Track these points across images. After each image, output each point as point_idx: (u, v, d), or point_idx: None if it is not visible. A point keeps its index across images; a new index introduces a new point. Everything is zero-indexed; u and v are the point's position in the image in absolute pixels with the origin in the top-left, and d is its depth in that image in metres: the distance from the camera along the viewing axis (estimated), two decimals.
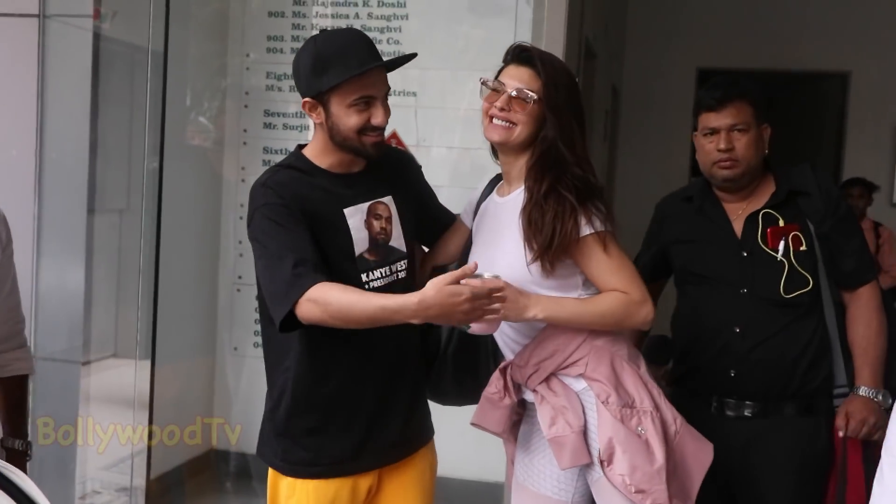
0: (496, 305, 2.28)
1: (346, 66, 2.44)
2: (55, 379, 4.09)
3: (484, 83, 2.57)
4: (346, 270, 2.51)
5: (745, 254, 2.97)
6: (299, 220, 2.46)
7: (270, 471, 2.68)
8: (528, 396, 2.58)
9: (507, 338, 2.61)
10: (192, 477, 4.54)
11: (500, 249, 2.51)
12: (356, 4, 4.66)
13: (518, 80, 2.51)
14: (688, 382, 3.08)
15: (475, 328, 2.36)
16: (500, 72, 2.59)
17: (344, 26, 4.59)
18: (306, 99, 2.54)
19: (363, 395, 2.59)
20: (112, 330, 4.68)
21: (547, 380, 2.50)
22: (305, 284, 2.34)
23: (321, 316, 2.33)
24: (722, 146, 2.96)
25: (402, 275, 2.62)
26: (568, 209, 2.41)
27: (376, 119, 2.48)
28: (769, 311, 2.94)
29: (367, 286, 2.53)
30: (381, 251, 2.59)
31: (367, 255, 2.56)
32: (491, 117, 2.53)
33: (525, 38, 4.28)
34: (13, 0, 4.08)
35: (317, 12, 4.76)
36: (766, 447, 2.93)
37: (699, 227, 3.10)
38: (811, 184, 3.01)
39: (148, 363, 4.28)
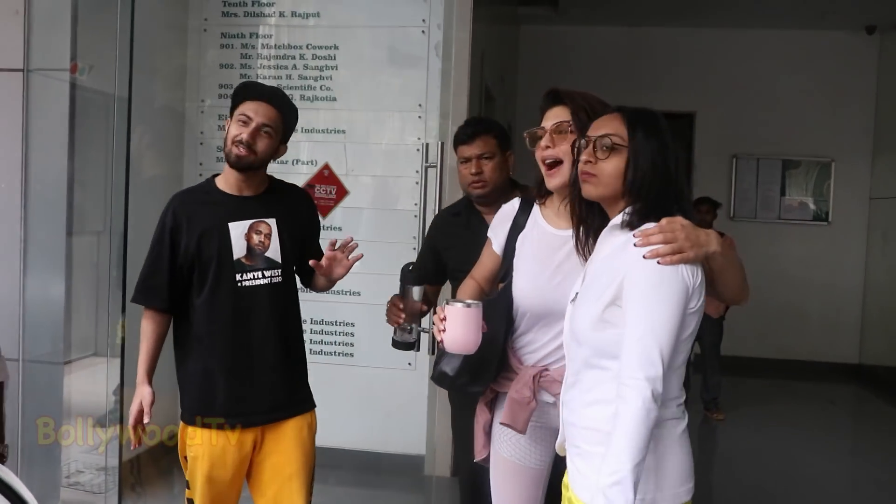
0: (677, 245, 1.87)
1: (239, 89, 2.77)
2: (41, 378, 4.01)
3: (528, 134, 2.38)
4: (224, 268, 2.72)
5: None
6: (169, 243, 2.73)
7: (181, 423, 2.79)
8: (543, 398, 2.39)
9: (549, 349, 2.39)
10: (163, 456, 4.45)
11: (572, 273, 2.27)
12: (293, 57, 4.68)
13: (553, 118, 2.31)
14: None
15: (449, 347, 2.23)
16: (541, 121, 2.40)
17: (283, 76, 4.63)
18: (228, 119, 2.76)
19: (236, 363, 2.74)
20: (92, 333, 4.63)
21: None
22: (138, 300, 2.81)
23: None
24: (473, 170, 3.07)
25: (276, 280, 2.76)
26: None
27: (244, 136, 2.65)
28: None
29: (239, 283, 2.72)
30: (256, 259, 2.74)
31: (243, 260, 2.73)
32: (544, 162, 2.32)
33: (435, 85, 4.50)
34: (1, 55, 4.01)
35: (261, 64, 4.75)
36: None
37: (465, 236, 3.07)
38: None
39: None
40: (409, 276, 3.21)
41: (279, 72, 4.67)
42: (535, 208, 2.48)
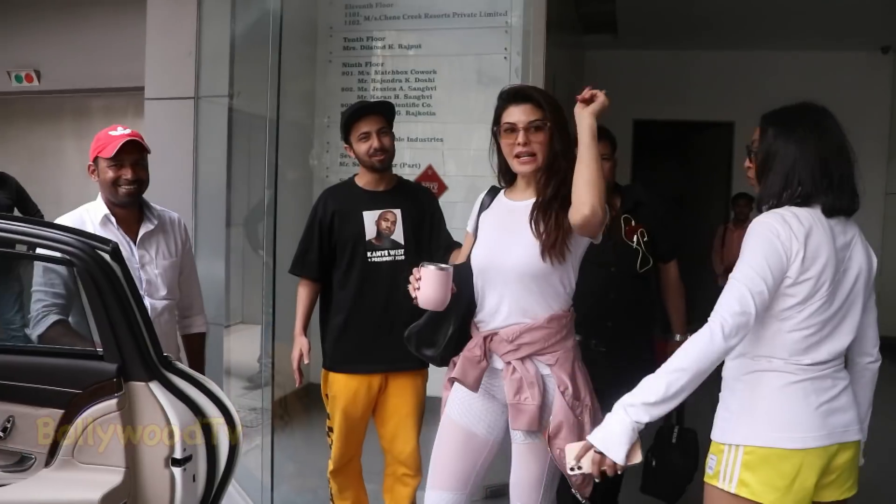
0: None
1: (346, 117, 2.87)
2: (211, 337, 4.15)
3: (495, 131, 2.27)
4: (358, 247, 2.89)
5: (612, 243, 2.89)
6: (318, 227, 2.93)
7: (322, 370, 3.00)
8: (495, 364, 2.27)
9: (504, 316, 2.25)
10: (305, 396, 4.68)
11: (518, 240, 2.20)
12: (400, 81, 4.82)
13: (524, 115, 2.19)
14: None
15: (422, 303, 2.19)
16: (499, 116, 2.26)
17: (392, 97, 4.71)
18: (345, 144, 2.94)
19: (365, 323, 2.89)
20: (240, 304, 4.90)
21: (522, 358, 2.21)
22: (294, 271, 3.00)
23: None
24: None
25: (399, 257, 2.89)
26: (564, 210, 2.15)
27: (374, 145, 2.83)
28: (630, 282, 3.00)
29: (369, 259, 2.88)
30: (384, 241, 2.89)
31: (374, 241, 2.89)
32: (517, 155, 2.20)
33: None
34: (178, 87, 4.30)
35: (373, 87, 4.92)
36: (625, 367, 2.80)
37: None
38: (644, 196, 3.08)
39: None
40: None
41: (388, 93, 4.82)
42: (501, 191, 2.39)
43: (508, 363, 2.22)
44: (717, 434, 1.96)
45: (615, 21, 6.97)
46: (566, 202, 2.12)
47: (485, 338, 2.25)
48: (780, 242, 1.81)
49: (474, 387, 2.26)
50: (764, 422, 1.85)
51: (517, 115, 2.21)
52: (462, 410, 2.34)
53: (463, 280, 2.29)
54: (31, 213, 5.47)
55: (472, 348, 2.27)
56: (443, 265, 2.18)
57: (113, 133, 2.66)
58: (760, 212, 1.93)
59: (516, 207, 2.28)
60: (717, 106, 8.03)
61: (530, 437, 2.23)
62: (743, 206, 6.72)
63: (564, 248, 2.17)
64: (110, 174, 2.63)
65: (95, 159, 2.67)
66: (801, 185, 1.88)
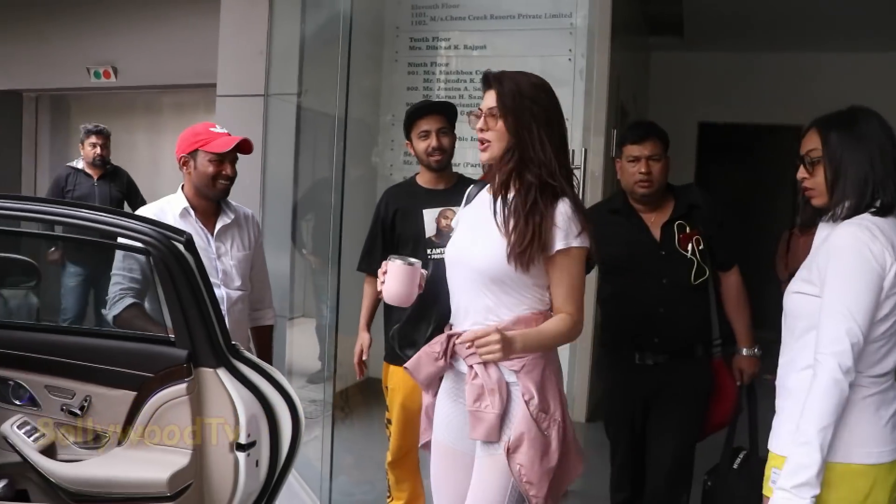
0: (484, 350, 1.87)
1: (409, 114, 2.95)
2: (276, 329, 4.28)
3: (468, 114, 2.15)
4: (418, 245, 2.92)
5: (664, 253, 2.83)
6: (381, 225, 3.01)
7: (383, 362, 3.05)
8: (461, 367, 2.11)
9: (465, 315, 2.10)
10: (366, 388, 4.57)
11: (485, 235, 2.04)
12: (464, 81, 4.85)
13: (486, 100, 2.07)
14: (617, 344, 2.91)
15: (386, 298, 2.12)
16: None
17: (456, 97, 4.76)
18: (406, 141, 3.00)
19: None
20: (301, 299, 5.01)
21: (485, 362, 2.00)
22: (362, 268, 3.09)
23: None
24: (643, 170, 2.82)
25: None
26: (534, 216, 1.97)
27: (433, 144, 2.88)
28: (682, 295, 2.83)
29: (430, 256, 2.87)
30: (443, 238, 2.89)
31: (433, 239, 2.93)
32: (480, 141, 2.07)
33: (579, 103, 4.44)
34: (249, 85, 4.40)
35: (438, 87, 4.96)
36: (673, 380, 2.86)
37: (625, 234, 2.88)
38: (700, 199, 2.90)
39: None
40: None
41: (452, 93, 4.84)
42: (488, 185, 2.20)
43: (471, 367, 2.04)
44: (781, 447, 1.89)
45: (682, 22, 6.90)
46: (538, 204, 1.97)
47: (449, 336, 2.12)
48: (873, 258, 1.78)
49: (425, 384, 2.18)
50: (841, 437, 1.79)
51: (484, 101, 2.09)
52: (445, 430, 2.19)
53: (442, 277, 2.18)
54: (139, 206, 5.45)
55: (433, 344, 2.14)
56: (412, 260, 2.11)
57: (214, 130, 2.75)
58: (830, 220, 1.87)
59: (490, 200, 2.10)
60: (784, 109, 7.82)
61: (491, 450, 2.03)
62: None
63: (537, 258, 1.98)
64: (212, 169, 2.72)
65: (194, 152, 2.74)
66: (877, 192, 1.84)
